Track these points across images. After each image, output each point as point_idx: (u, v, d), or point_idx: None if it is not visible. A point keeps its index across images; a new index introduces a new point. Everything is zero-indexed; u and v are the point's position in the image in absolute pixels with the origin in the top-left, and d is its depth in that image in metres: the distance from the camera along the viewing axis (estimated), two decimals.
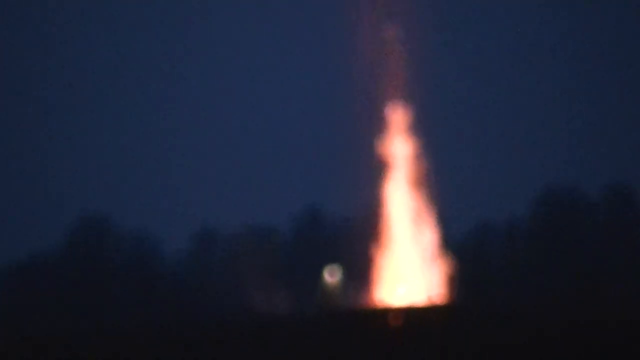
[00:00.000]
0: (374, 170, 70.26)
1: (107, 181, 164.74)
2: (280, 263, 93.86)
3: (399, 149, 70.12)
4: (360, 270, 72.20)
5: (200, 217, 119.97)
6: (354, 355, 33.83)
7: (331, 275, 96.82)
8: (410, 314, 51.82)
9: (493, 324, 42.58)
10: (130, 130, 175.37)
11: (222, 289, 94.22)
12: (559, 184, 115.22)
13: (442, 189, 70.42)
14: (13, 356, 38.59)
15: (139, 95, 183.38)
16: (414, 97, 70.24)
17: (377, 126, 70.49)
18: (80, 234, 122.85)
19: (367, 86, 70.36)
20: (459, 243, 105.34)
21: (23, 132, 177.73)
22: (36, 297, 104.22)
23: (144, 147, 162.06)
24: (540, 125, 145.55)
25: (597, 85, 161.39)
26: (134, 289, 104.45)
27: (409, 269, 69.48)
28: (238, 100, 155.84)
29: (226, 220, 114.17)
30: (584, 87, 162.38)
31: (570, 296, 70.26)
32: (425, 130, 70.38)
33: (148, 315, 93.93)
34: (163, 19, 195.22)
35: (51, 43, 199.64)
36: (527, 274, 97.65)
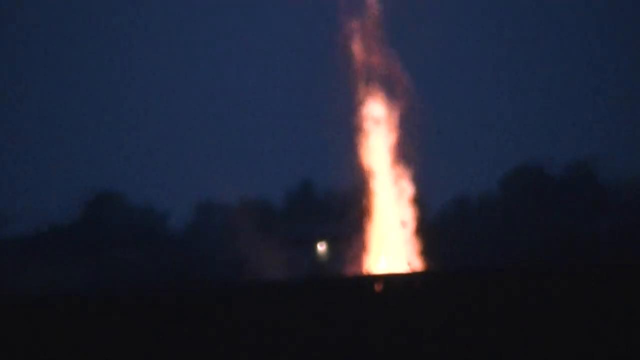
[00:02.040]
0: (361, 150, 69.46)
1: (117, 160, 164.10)
2: (274, 233, 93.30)
3: (383, 133, 69.38)
4: (347, 241, 71.54)
5: (201, 191, 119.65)
6: (341, 318, 32.84)
7: (321, 246, 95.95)
8: (392, 280, 51.22)
9: (467, 287, 41.97)
10: (140, 115, 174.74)
11: (222, 256, 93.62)
12: (527, 162, 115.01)
13: (420, 167, 69.46)
14: (30, 318, 37.58)
15: (146, 87, 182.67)
16: (394, 86, 69.20)
17: (361, 112, 69.61)
18: (93, 207, 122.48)
19: (349, 72, 69.22)
20: (437, 216, 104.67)
21: (44, 117, 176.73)
22: (53, 264, 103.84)
23: (152, 129, 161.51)
24: (511, 107, 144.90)
25: (561, 74, 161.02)
26: (142, 256, 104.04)
27: (392, 240, 68.77)
28: (233, 89, 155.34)
29: (225, 193, 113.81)
30: (550, 74, 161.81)
31: (537, 262, 69.68)
32: (404, 117, 69.39)
33: (155, 279, 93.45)
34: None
35: (66, 23, 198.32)
36: (499, 243, 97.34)
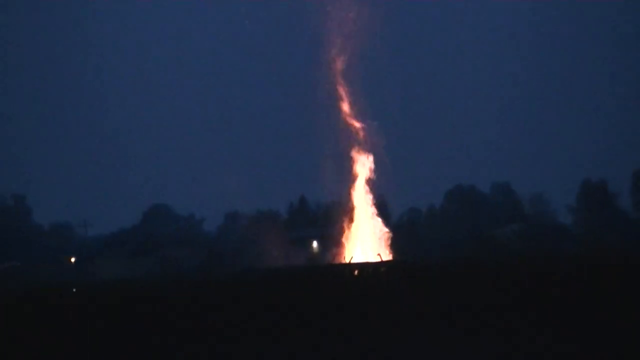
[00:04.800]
0: (344, 171, 69.82)
1: (168, 180, 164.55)
2: (280, 234, 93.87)
3: (360, 159, 69.70)
4: (333, 240, 71.95)
5: (228, 204, 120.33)
6: (329, 294, 33.63)
7: (315, 243, 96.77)
8: (366, 267, 51.80)
9: (420, 274, 42.51)
10: (183, 148, 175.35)
11: (242, 252, 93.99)
12: (463, 181, 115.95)
13: (385, 184, 70.05)
14: (106, 299, 37.83)
15: (188, 128, 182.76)
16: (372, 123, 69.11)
17: (345, 141, 69.58)
18: (150, 215, 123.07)
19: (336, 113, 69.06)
20: (397, 221, 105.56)
21: (114, 151, 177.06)
22: (120, 257, 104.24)
23: (193, 159, 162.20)
24: (451, 141, 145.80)
25: (496, 115, 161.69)
26: (185, 251, 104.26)
27: (366, 239, 69.25)
28: (255, 134, 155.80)
29: (246, 205, 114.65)
30: (485, 115, 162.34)
31: (469, 256, 70.42)
32: (374, 146, 69.73)
33: (193, 270, 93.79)
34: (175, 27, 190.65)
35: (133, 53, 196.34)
36: (441, 243, 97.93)
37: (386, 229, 68.47)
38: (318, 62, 66.60)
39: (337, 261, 67.64)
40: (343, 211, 69.03)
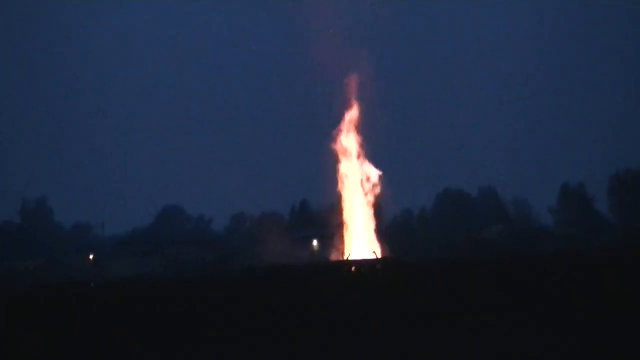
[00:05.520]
0: (340, 178, 68.71)
1: (179, 184, 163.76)
2: (283, 235, 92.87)
3: (357, 166, 68.64)
4: (332, 239, 70.95)
5: (236, 206, 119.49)
6: (328, 290, 32.34)
7: (315, 242, 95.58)
8: (362, 264, 50.70)
9: (412, 271, 41.21)
10: (194, 155, 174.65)
11: (249, 250, 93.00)
12: (452, 185, 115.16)
13: (380, 188, 68.88)
14: (119, 294, 36.52)
15: (195, 137, 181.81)
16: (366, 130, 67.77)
17: (340, 154, 68.44)
18: (162, 216, 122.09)
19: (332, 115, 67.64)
20: (391, 223, 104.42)
21: (129, 159, 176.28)
22: (134, 255, 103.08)
23: (202, 164, 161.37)
24: (441, 147, 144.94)
25: (484, 121, 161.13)
26: (195, 251, 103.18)
27: (362, 238, 68.22)
28: (261, 144, 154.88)
29: (251, 208, 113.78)
30: (474, 123, 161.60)
31: (458, 255, 69.20)
32: (369, 151, 68.45)
33: (202, 268, 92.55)
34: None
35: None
36: (433, 243, 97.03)
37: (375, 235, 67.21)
38: (317, 64, 65.02)
39: (335, 259, 66.53)
40: (340, 211, 68.10)
